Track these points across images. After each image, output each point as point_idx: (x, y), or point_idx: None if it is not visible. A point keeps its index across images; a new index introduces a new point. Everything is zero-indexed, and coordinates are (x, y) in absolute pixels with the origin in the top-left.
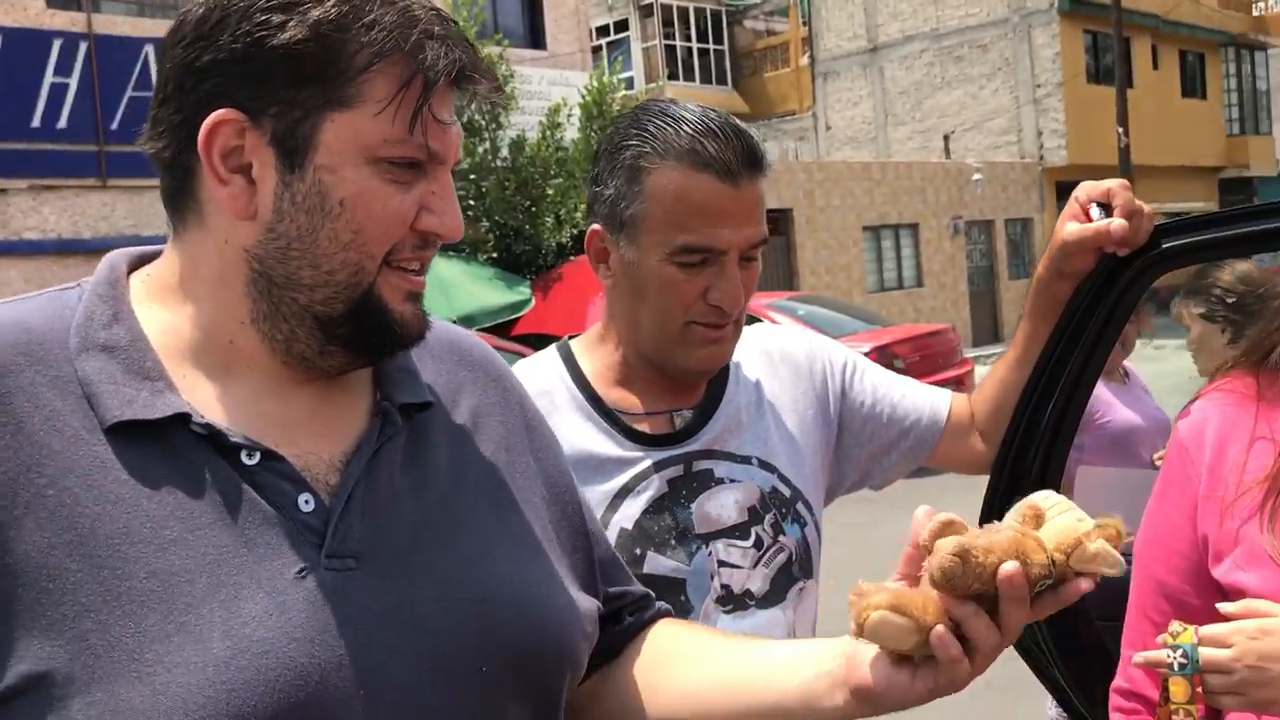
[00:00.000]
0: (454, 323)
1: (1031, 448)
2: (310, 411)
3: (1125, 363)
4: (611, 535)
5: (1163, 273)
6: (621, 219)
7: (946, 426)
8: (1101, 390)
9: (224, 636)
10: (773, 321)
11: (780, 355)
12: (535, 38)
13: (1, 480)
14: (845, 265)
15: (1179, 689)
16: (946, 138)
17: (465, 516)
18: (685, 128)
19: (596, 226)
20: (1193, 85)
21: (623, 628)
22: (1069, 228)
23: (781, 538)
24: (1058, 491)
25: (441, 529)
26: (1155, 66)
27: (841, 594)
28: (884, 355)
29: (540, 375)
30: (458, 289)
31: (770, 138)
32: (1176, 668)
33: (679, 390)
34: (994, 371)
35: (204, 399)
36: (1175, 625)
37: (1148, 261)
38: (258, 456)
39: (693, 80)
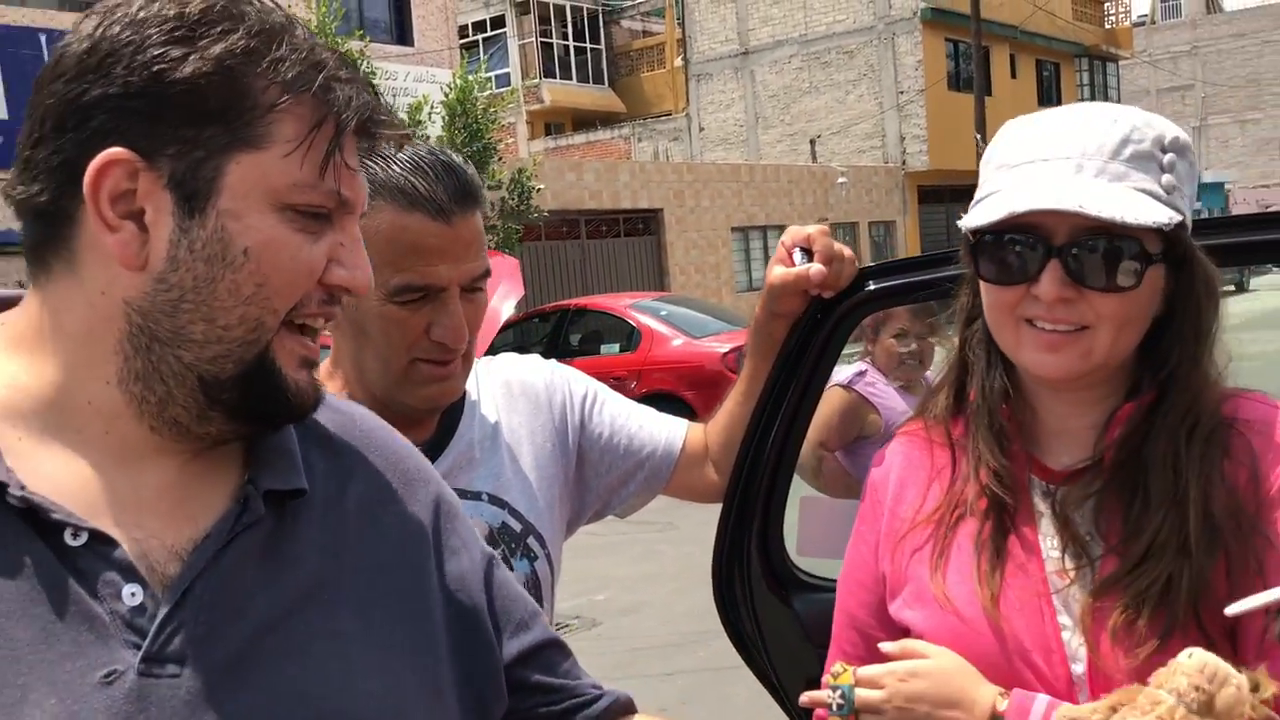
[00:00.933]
0: None
1: (757, 478)
2: (163, 489)
3: (928, 375)
4: None
5: (867, 313)
6: None
7: (680, 458)
8: (898, 403)
9: None
10: (636, 323)
11: (520, 387)
12: (402, 34)
13: None
14: (715, 265)
15: None
16: (813, 141)
17: (325, 621)
18: (396, 165)
19: None
20: (1049, 94)
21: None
22: (775, 272)
23: (514, 569)
24: (779, 514)
25: (292, 634)
26: (1013, 75)
27: (695, 591)
28: (743, 355)
29: None
30: None
31: (645, 138)
32: (835, 708)
33: (409, 427)
34: (724, 405)
35: (35, 467)
36: (837, 666)
37: (853, 303)
38: (84, 538)
39: (570, 79)
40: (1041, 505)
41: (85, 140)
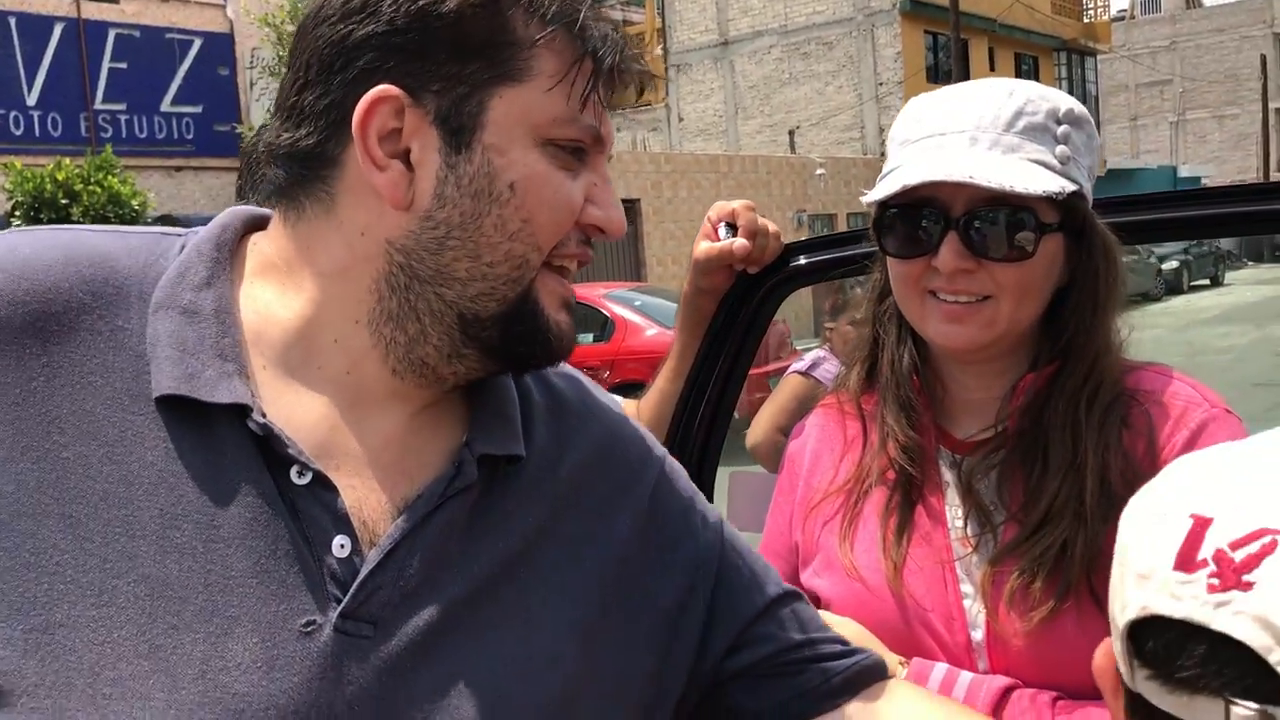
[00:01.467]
0: None
1: (686, 454)
2: (389, 440)
3: None
4: None
5: (794, 288)
6: None
7: None
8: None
9: (198, 678)
10: (610, 312)
11: None
12: None
13: (18, 428)
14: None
15: None
16: (792, 133)
17: (519, 600)
18: None
19: None
20: None
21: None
22: (700, 246)
23: None
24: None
25: (482, 611)
26: (992, 68)
27: None
28: None
29: None
30: None
31: (624, 128)
32: None
33: None
34: (655, 382)
35: (275, 397)
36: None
37: (778, 278)
38: (309, 477)
39: None
40: (948, 475)
41: (352, 80)
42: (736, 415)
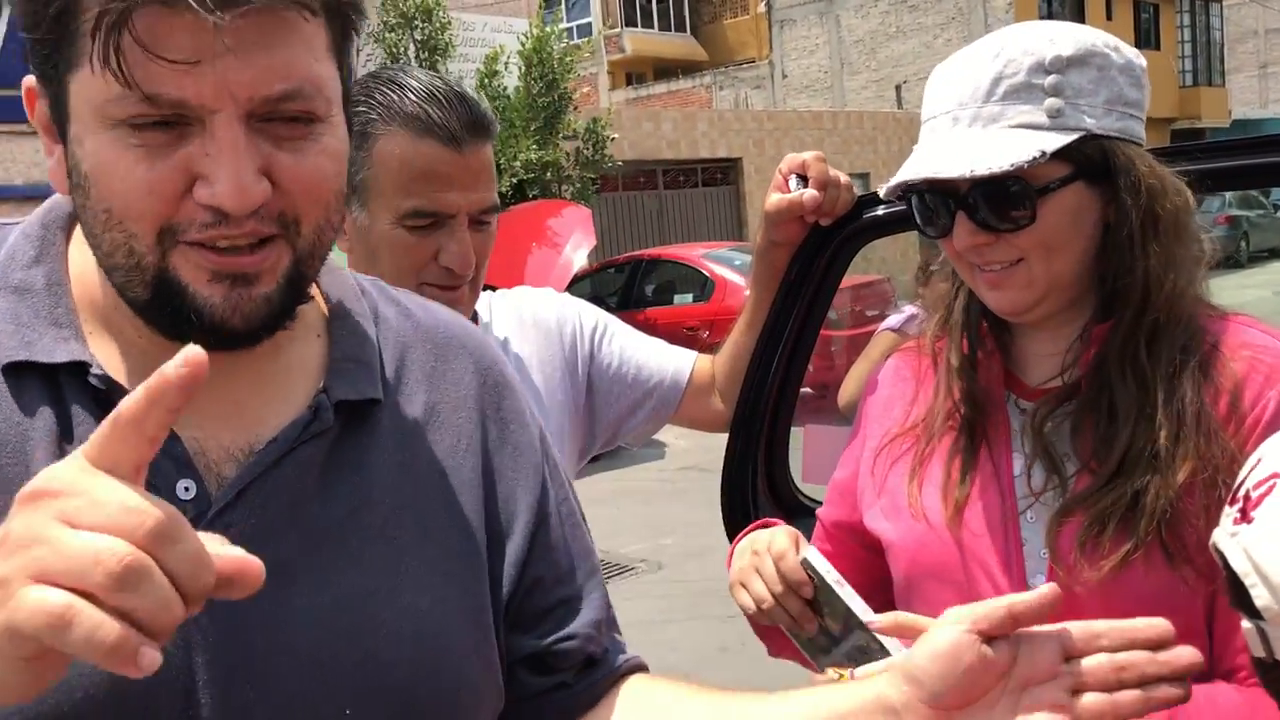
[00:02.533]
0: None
1: (762, 406)
2: (230, 393)
3: None
4: None
5: (866, 241)
6: (352, 184)
7: (688, 387)
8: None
9: None
10: (709, 272)
11: (532, 318)
12: None
13: None
14: None
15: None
16: (899, 88)
17: (383, 530)
18: (410, 94)
19: None
20: (1147, 36)
21: (575, 689)
22: (770, 199)
23: None
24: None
25: (346, 542)
26: (1109, 18)
27: None
28: None
29: None
30: None
31: (727, 86)
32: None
33: None
34: (730, 335)
35: (109, 353)
36: (831, 671)
37: (851, 231)
38: None
39: (651, 27)
40: (1016, 422)
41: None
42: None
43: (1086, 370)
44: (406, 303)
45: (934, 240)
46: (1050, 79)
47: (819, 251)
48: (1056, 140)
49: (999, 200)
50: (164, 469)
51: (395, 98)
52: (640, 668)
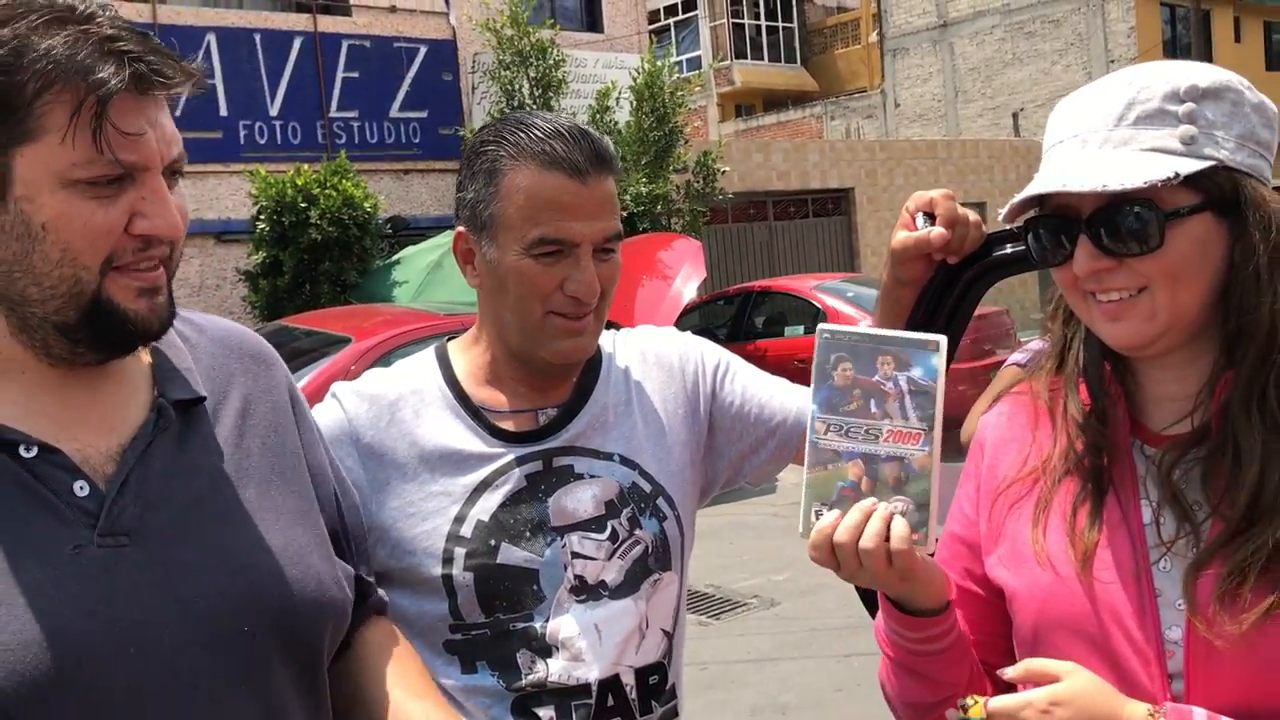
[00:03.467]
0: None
1: None
2: (88, 408)
3: None
4: (469, 528)
5: (996, 279)
6: (482, 219)
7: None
8: None
9: (1, 602)
10: (820, 304)
11: (655, 357)
12: (592, 21)
13: None
14: None
15: None
16: (1016, 115)
17: (236, 495)
18: (536, 132)
19: (460, 229)
20: (1278, 58)
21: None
22: (897, 236)
23: (638, 531)
24: None
25: (213, 507)
26: (1238, 39)
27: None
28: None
29: (414, 374)
30: None
31: (838, 116)
32: None
33: (546, 389)
34: None
35: None
36: (968, 698)
37: (981, 268)
38: (35, 450)
39: (761, 59)
40: (1143, 468)
41: None
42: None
43: (1215, 414)
44: (198, 320)
45: (1051, 264)
46: (1185, 107)
47: (947, 290)
48: (1190, 165)
49: (1127, 223)
50: (58, 477)
51: (523, 136)
52: (382, 608)
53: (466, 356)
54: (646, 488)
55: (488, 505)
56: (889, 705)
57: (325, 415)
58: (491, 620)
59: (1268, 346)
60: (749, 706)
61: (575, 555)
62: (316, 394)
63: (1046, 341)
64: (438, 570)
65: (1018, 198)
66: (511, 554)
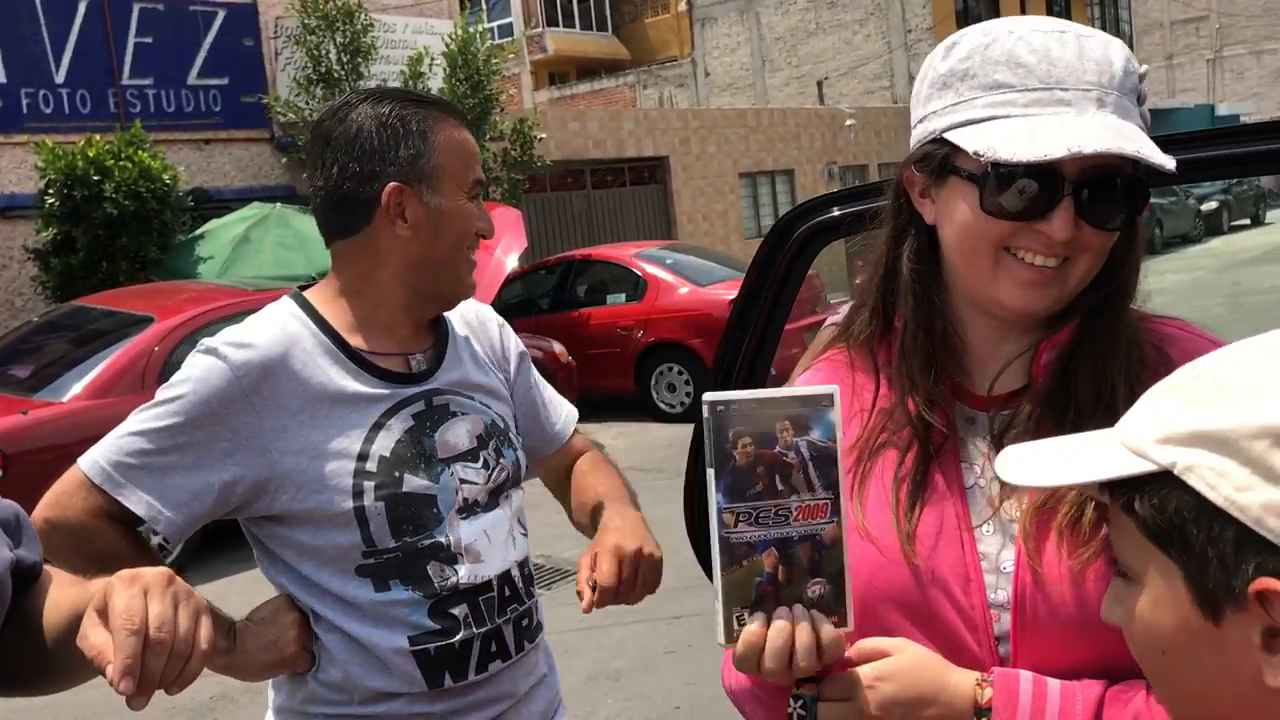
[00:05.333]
0: (314, 278)
1: None
2: None
3: None
4: (374, 463)
5: (825, 242)
6: (423, 172)
7: (561, 447)
8: None
9: None
10: (642, 272)
11: (479, 323)
12: None
13: None
14: (723, 212)
15: None
16: (820, 84)
17: None
18: (433, 96)
19: (394, 185)
20: None
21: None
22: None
23: (503, 460)
24: None
25: None
26: (1023, 10)
27: None
28: None
29: (285, 326)
30: (317, 244)
31: (651, 84)
32: (796, 718)
33: (411, 338)
34: (589, 495)
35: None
36: (802, 685)
37: (814, 229)
38: None
39: (573, 27)
40: (968, 433)
41: None
42: (774, 371)
43: (1046, 371)
44: None
45: (1014, 219)
46: (1142, 88)
47: (776, 256)
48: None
49: (1118, 196)
50: None
51: (430, 99)
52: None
53: (334, 308)
54: (501, 424)
55: (386, 443)
56: (728, 693)
57: (214, 373)
58: (400, 543)
59: (1099, 310)
60: (583, 675)
61: (463, 481)
62: (119, 377)
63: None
64: (349, 504)
65: (1087, 146)
66: (414, 483)
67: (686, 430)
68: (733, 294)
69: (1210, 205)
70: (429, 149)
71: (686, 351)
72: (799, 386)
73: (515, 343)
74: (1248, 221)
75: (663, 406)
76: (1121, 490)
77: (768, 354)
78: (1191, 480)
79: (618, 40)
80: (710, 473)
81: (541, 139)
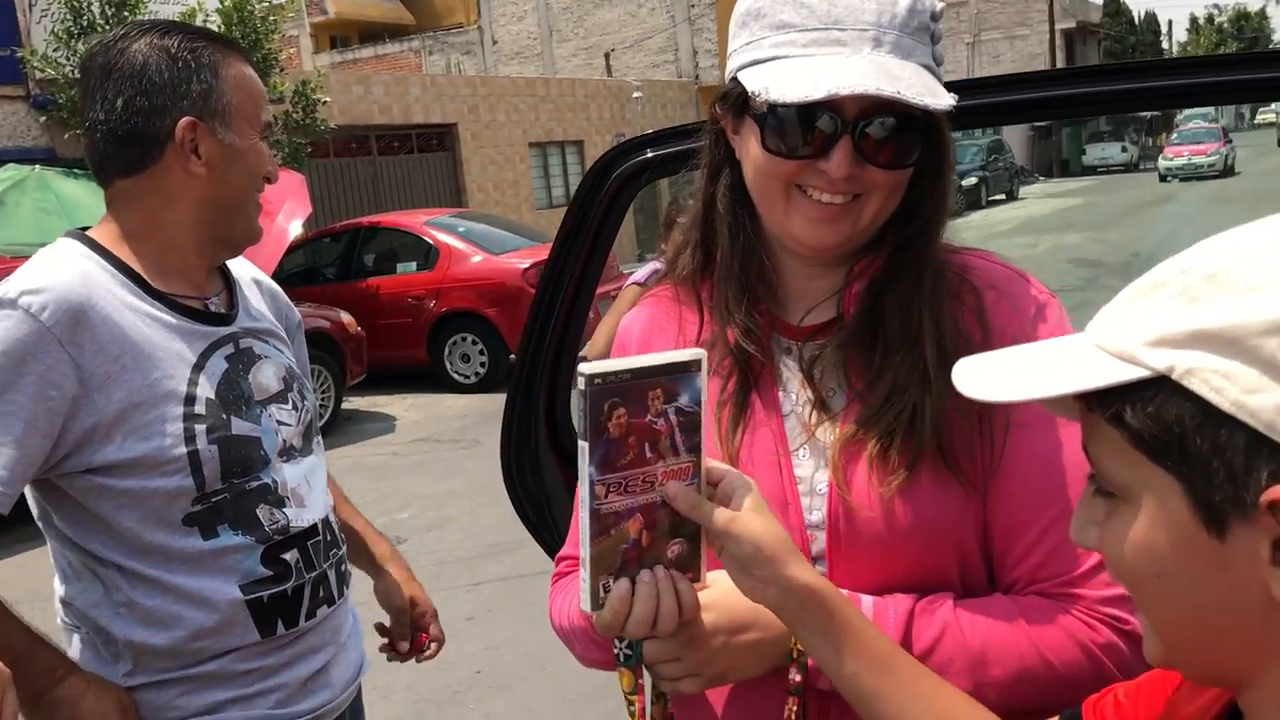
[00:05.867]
0: None
1: (543, 355)
2: None
3: None
4: (201, 406)
5: (645, 184)
6: (216, 108)
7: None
8: None
9: None
10: (433, 240)
11: (262, 282)
12: None
13: None
14: (513, 181)
15: (625, 680)
16: (607, 55)
17: None
18: (211, 31)
19: (190, 119)
20: None
21: None
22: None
23: (305, 402)
24: (565, 396)
25: None
26: None
27: (500, 504)
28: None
29: (81, 270)
30: (82, 209)
31: (436, 51)
32: (622, 659)
33: (203, 281)
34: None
35: None
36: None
37: (630, 170)
38: None
39: None
40: (784, 363)
41: None
42: (593, 315)
43: (855, 303)
44: None
45: (792, 157)
46: (935, 27)
47: (596, 196)
48: (952, 95)
49: (897, 135)
50: None
51: (215, 35)
52: None
53: (126, 249)
54: (297, 369)
55: (208, 384)
56: (558, 632)
57: (21, 327)
58: (228, 485)
59: (932, 251)
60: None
61: (280, 424)
62: None
63: (662, 262)
64: (182, 449)
65: (843, 88)
66: (240, 425)
67: (481, 401)
68: (527, 263)
69: (970, 181)
70: (221, 84)
71: (481, 321)
72: (669, 353)
73: (295, 311)
74: (1003, 197)
75: (457, 377)
76: (1105, 401)
77: (587, 294)
78: (1193, 385)
79: (402, 4)
80: (584, 446)
81: (325, 102)
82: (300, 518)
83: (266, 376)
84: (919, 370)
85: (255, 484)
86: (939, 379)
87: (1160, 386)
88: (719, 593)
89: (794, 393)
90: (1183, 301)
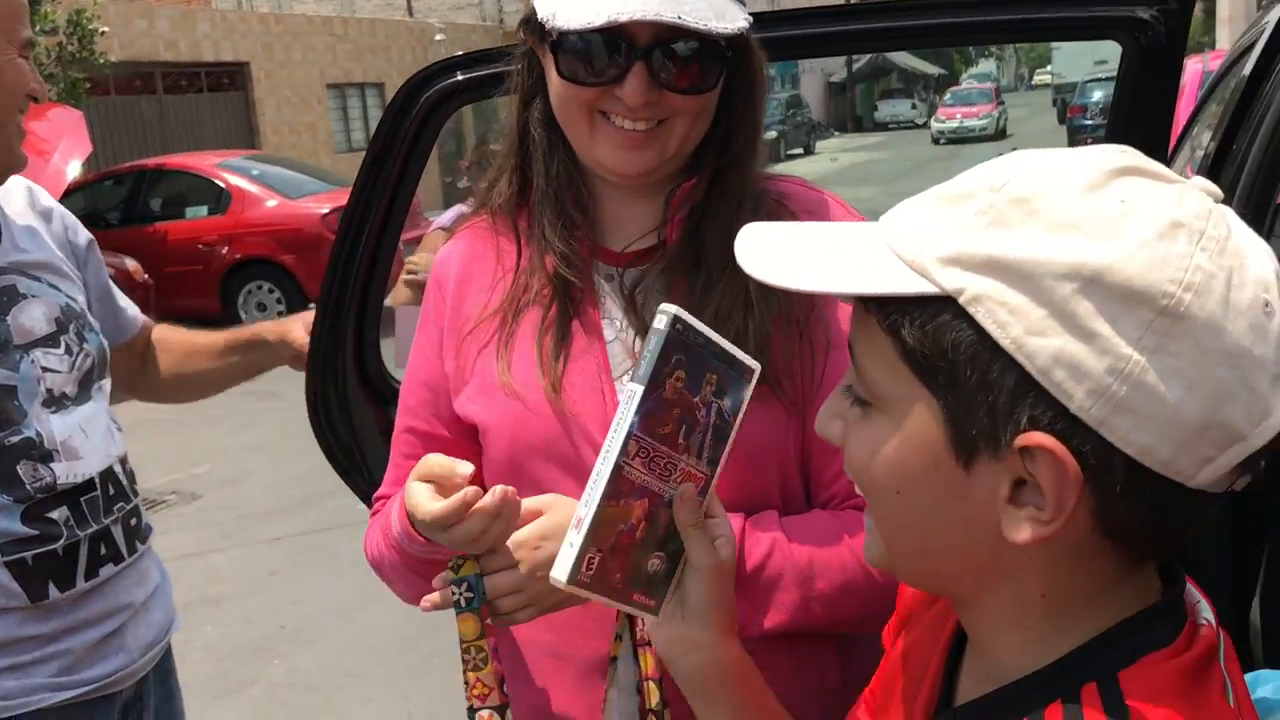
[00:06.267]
0: None
1: (350, 289)
2: None
3: None
4: None
5: (454, 108)
6: None
7: (136, 335)
8: None
9: None
10: (225, 183)
11: (40, 206)
12: None
13: None
14: (311, 124)
15: (468, 626)
16: None
17: None
18: None
19: None
20: None
21: None
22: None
23: (85, 345)
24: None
25: None
26: None
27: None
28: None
29: None
30: None
31: None
32: (463, 603)
33: None
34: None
35: None
36: (454, 559)
37: (440, 94)
38: None
39: None
40: (606, 290)
41: None
42: (401, 246)
43: (677, 230)
44: None
45: (589, 84)
46: None
47: (404, 120)
48: (748, 16)
49: (692, 60)
50: None
51: None
52: None
53: None
54: (77, 307)
55: None
56: (383, 578)
57: None
58: None
59: (726, 167)
60: (180, 604)
61: (45, 370)
62: None
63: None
64: None
65: (621, 14)
66: None
67: None
68: (326, 208)
69: (770, 135)
70: None
71: (277, 268)
72: (736, 348)
73: (81, 228)
74: (801, 151)
75: None
76: (884, 308)
77: (395, 224)
78: (977, 313)
79: None
80: (636, 389)
81: (103, 33)
82: (72, 472)
83: (32, 318)
84: (742, 295)
85: (14, 439)
86: (761, 303)
87: (944, 306)
88: (559, 518)
89: (617, 320)
90: (986, 220)
